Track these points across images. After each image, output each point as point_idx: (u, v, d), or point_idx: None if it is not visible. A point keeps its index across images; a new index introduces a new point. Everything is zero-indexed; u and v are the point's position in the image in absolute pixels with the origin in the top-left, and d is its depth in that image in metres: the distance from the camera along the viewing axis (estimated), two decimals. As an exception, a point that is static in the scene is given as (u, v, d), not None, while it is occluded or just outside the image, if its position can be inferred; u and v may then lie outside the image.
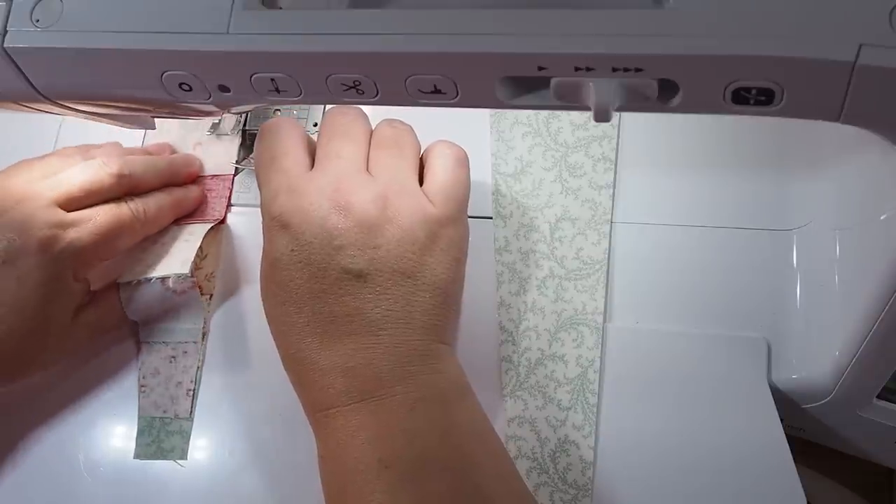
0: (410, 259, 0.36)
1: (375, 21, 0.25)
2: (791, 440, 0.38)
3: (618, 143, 0.45)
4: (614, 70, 0.24)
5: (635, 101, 0.25)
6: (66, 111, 0.32)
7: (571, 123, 0.45)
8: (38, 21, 0.28)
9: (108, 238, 0.41)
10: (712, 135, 0.45)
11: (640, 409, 0.40)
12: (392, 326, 0.35)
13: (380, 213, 0.36)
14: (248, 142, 0.48)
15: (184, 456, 0.42)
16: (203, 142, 0.48)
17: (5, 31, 0.28)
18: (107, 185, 0.41)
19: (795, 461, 0.38)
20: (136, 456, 0.42)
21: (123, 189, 0.42)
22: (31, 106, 0.32)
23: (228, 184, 0.47)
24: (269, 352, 0.41)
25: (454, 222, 0.38)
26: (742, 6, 0.22)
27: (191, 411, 0.42)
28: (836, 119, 0.24)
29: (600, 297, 0.42)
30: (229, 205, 0.47)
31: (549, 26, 0.24)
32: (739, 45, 0.22)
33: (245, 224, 0.47)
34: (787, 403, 0.40)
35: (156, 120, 0.39)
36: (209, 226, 0.45)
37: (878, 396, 0.39)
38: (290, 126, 0.39)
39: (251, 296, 0.45)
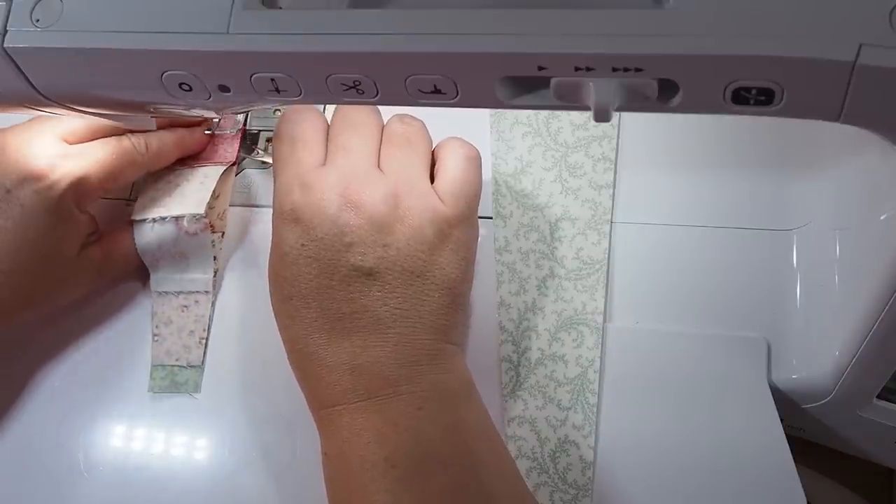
0: (420, 258, 0.36)
1: (375, 21, 0.25)
2: (791, 440, 0.38)
3: (618, 143, 0.45)
4: (614, 70, 0.24)
5: (635, 101, 0.25)
6: (66, 111, 0.32)
7: (571, 123, 0.45)
8: (38, 21, 0.28)
9: (108, 169, 0.41)
10: (712, 135, 0.45)
11: (640, 409, 0.40)
12: (400, 325, 0.35)
13: (390, 212, 0.36)
14: (248, 142, 0.48)
15: (197, 389, 0.43)
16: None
17: (5, 31, 0.28)
18: (109, 122, 0.41)
19: (795, 461, 0.38)
20: (150, 389, 0.43)
21: (127, 127, 0.42)
22: (32, 106, 0.32)
23: (240, 126, 0.47)
24: (269, 352, 0.42)
25: (464, 222, 0.38)
26: (742, 6, 0.22)
27: (203, 359, 0.43)
28: (836, 119, 0.24)
29: (600, 297, 0.42)
30: (241, 147, 0.47)
31: (549, 26, 0.24)
32: (739, 45, 0.22)
33: (244, 224, 0.47)
34: (787, 403, 0.40)
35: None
36: (222, 168, 0.46)
37: (878, 396, 0.39)
38: (312, 115, 0.39)
39: (250, 295, 0.45)
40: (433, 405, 0.34)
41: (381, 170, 0.38)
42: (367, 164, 0.37)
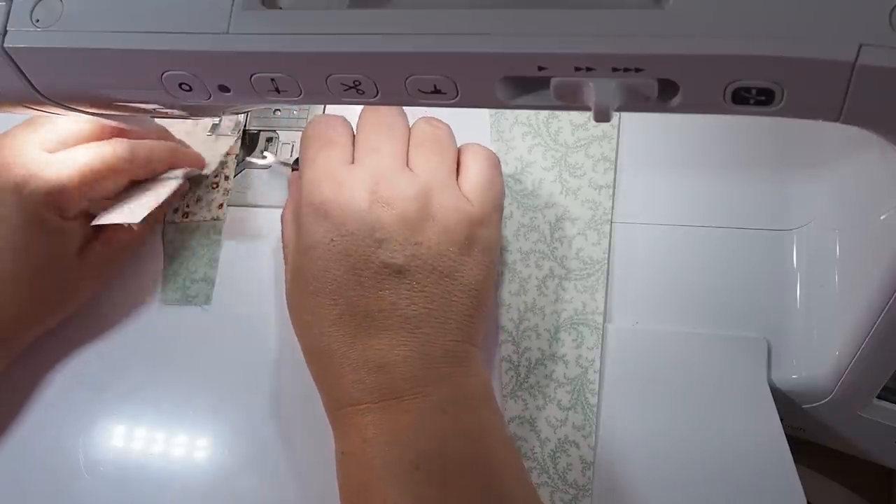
0: (450, 258, 0.36)
1: (375, 21, 0.25)
2: (791, 440, 0.38)
3: (618, 143, 0.45)
4: (614, 70, 0.24)
5: (635, 101, 0.25)
6: (66, 111, 0.32)
7: (571, 123, 0.45)
8: (38, 21, 0.28)
9: (88, 176, 0.40)
10: (712, 135, 0.45)
11: (640, 409, 0.40)
12: (428, 325, 0.35)
13: (421, 210, 0.36)
14: (248, 142, 0.48)
15: (208, 301, 0.44)
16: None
17: (5, 31, 0.28)
18: (96, 127, 0.41)
19: (795, 461, 0.38)
20: (163, 301, 0.44)
21: (114, 133, 0.42)
22: (31, 106, 0.32)
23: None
24: (269, 351, 0.42)
25: (491, 223, 0.38)
26: (742, 6, 0.22)
27: (142, 218, 0.41)
28: (836, 119, 0.24)
29: (600, 297, 0.42)
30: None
31: (549, 26, 0.24)
32: (739, 45, 0.22)
33: (244, 225, 0.46)
34: (787, 403, 0.40)
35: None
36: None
37: (878, 396, 0.39)
38: (338, 121, 0.40)
39: (250, 296, 0.44)
40: (457, 408, 0.34)
41: (410, 169, 0.38)
42: (396, 164, 0.37)
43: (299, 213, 0.38)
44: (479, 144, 0.40)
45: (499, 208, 0.39)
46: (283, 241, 0.41)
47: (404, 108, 0.41)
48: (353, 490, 0.35)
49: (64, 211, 0.40)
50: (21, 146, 0.39)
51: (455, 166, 0.39)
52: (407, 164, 0.38)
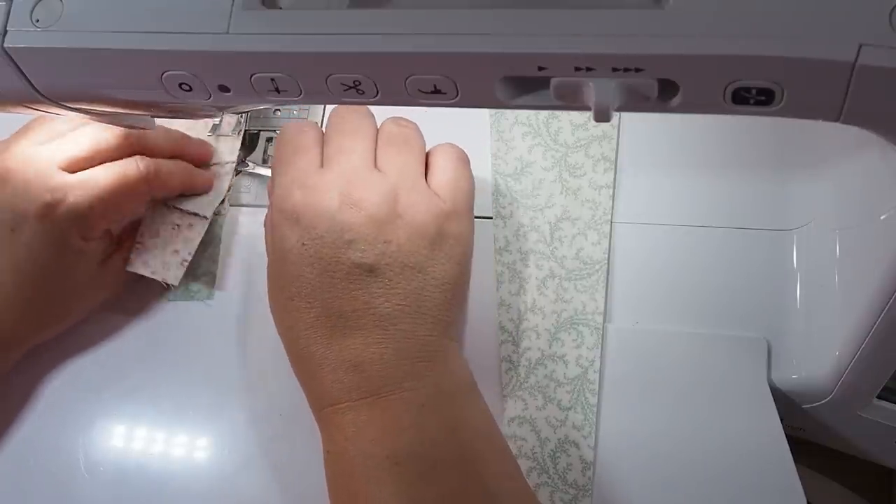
0: (421, 254, 0.36)
1: (375, 21, 0.25)
2: (791, 440, 0.38)
3: (618, 143, 0.45)
4: (614, 70, 0.24)
5: (635, 101, 0.25)
6: (66, 111, 0.32)
7: (571, 123, 0.45)
8: (38, 21, 0.28)
9: (111, 200, 0.40)
10: (712, 135, 0.45)
11: (640, 409, 0.40)
12: (402, 321, 0.35)
13: (390, 209, 0.36)
14: (248, 142, 0.48)
15: (210, 297, 0.44)
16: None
17: (5, 31, 0.28)
18: (113, 144, 0.41)
19: (795, 461, 0.38)
20: (165, 297, 0.44)
21: (132, 148, 0.42)
22: (31, 106, 0.32)
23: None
24: (268, 351, 0.42)
25: (462, 217, 0.38)
26: (742, 6, 0.22)
27: (179, 280, 0.43)
28: (836, 119, 0.24)
29: (600, 297, 0.42)
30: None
31: (549, 26, 0.24)
32: (739, 45, 0.22)
33: (244, 224, 0.46)
34: (787, 403, 0.40)
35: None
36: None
37: (878, 396, 0.39)
38: (310, 127, 0.40)
39: (249, 295, 0.44)
40: (436, 402, 0.34)
41: (379, 169, 0.38)
42: (365, 164, 0.38)
43: (273, 219, 0.38)
44: (448, 143, 0.41)
45: (469, 203, 0.40)
46: (265, 248, 0.41)
47: (400, 107, 0.41)
48: (339, 488, 0.35)
49: (87, 234, 0.41)
50: (39, 164, 0.39)
51: (423, 163, 0.40)
52: (376, 165, 0.38)
